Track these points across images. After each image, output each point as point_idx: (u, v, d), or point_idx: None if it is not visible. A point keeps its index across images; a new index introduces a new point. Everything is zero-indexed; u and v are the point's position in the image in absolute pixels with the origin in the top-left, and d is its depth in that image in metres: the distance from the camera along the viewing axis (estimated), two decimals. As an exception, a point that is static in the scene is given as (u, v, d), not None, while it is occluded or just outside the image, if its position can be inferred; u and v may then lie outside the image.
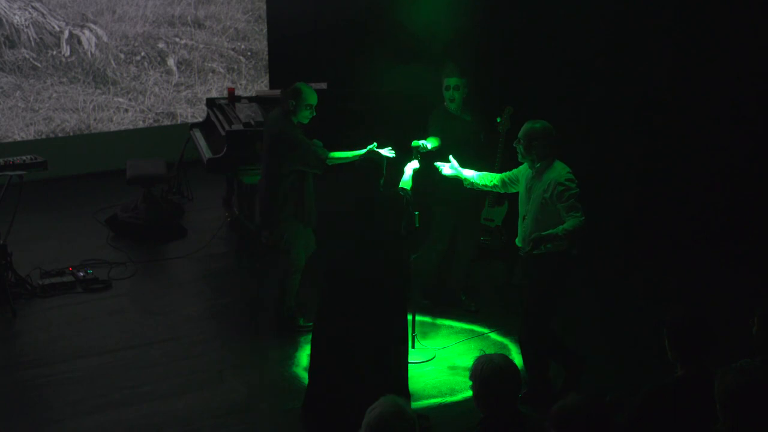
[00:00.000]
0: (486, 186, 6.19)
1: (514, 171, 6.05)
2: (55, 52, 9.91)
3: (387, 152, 6.32)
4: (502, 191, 6.19)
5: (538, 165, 5.76)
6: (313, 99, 6.68)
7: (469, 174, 6.21)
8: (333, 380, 5.66)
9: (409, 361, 5.88)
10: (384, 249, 5.64)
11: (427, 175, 6.50)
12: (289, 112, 6.68)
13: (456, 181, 6.31)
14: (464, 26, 9.02)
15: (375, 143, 6.40)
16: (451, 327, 7.06)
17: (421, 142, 6.55)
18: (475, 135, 6.96)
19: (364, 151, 6.35)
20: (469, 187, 6.28)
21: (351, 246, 5.70)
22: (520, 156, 5.83)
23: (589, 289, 7.47)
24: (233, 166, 7.89)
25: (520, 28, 9.17)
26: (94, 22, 10.03)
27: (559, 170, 5.69)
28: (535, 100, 8.36)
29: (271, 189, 6.71)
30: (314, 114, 6.75)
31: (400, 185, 6.06)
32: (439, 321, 7.14)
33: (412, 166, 6.26)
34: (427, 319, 7.09)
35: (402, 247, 5.79)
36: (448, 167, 6.26)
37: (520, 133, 5.79)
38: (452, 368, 6.46)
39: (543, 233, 5.60)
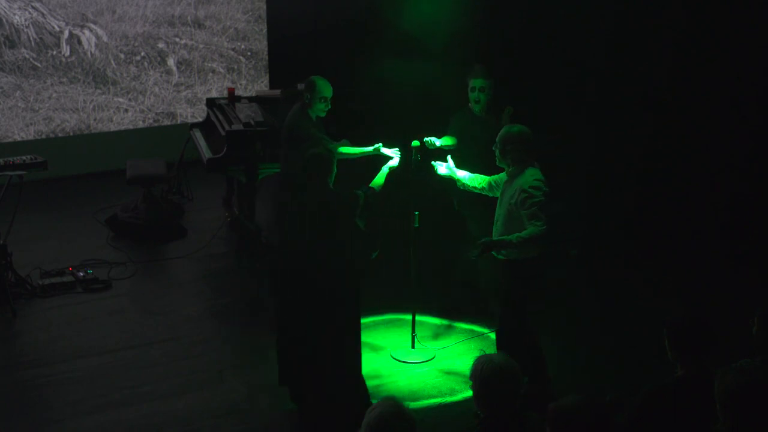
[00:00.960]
0: (476, 188, 6.18)
1: (501, 174, 6.00)
2: (55, 52, 9.91)
3: (392, 153, 6.33)
4: (490, 194, 6.11)
5: (511, 170, 5.74)
6: (327, 91, 6.77)
7: (461, 175, 6.20)
8: (295, 365, 5.85)
9: (360, 354, 5.85)
10: (331, 247, 5.60)
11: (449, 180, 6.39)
12: (305, 105, 6.77)
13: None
14: (464, 26, 9.02)
15: (380, 144, 6.41)
16: (451, 327, 7.05)
17: (429, 139, 6.52)
18: (487, 130, 6.64)
19: (371, 148, 6.39)
20: (461, 188, 6.27)
21: (301, 243, 5.69)
22: (497, 160, 5.81)
23: (589, 289, 7.47)
24: (239, 165, 7.90)
25: (520, 28, 9.17)
26: (94, 22, 10.03)
27: (527, 177, 5.62)
28: (535, 100, 8.36)
29: (289, 182, 6.72)
30: (329, 107, 6.82)
31: (372, 183, 6.04)
32: (439, 321, 7.13)
33: (391, 163, 6.25)
34: (427, 319, 7.09)
35: (353, 246, 5.71)
36: (444, 167, 6.25)
37: (498, 137, 5.77)
38: (452, 368, 6.46)
39: (494, 239, 5.59)
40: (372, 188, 6.00)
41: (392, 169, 6.26)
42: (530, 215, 5.53)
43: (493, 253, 5.73)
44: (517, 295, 5.79)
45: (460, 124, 6.83)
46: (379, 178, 6.14)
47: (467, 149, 6.60)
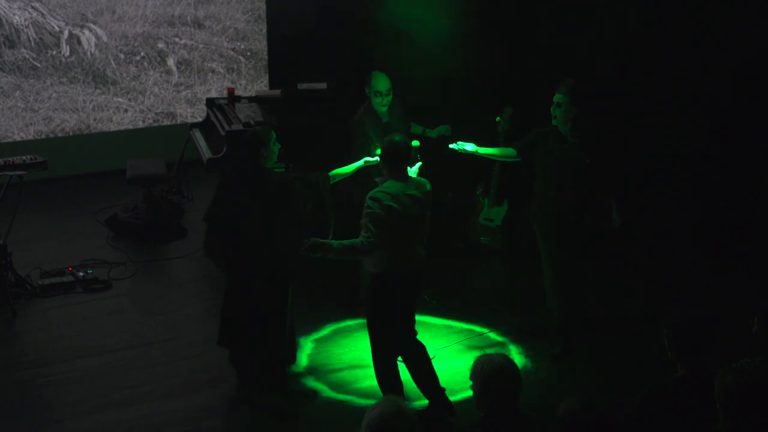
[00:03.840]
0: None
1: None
2: (54, 52, 9.91)
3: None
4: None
5: (378, 179, 5.78)
6: (378, 85, 6.77)
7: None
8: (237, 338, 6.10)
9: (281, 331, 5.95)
10: (264, 229, 5.65)
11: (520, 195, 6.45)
12: (369, 101, 6.85)
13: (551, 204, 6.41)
14: (464, 26, 9.02)
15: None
16: (451, 327, 7.05)
17: (460, 145, 6.40)
18: (574, 156, 6.38)
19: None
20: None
21: (235, 224, 5.81)
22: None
23: (589, 289, 7.47)
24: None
25: (520, 28, 9.17)
26: (94, 22, 10.04)
27: (378, 188, 5.53)
28: (535, 100, 8.36)
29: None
30: (384, 101, 6.80)
31: (334, 171, 5.98)
32: (439, 321, 7.13)
33: (370, 158, 6.19)
34: (427, 319, 7.09)
35: (288, 230, 5.67)
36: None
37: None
38: (452, 368, 6.46)
39: (320, 240, 5.38)
40: (326, 174, 5.94)
41: (369, 164, 6.18)
42: (362, 225, 5.40)
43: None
44: (370, 308, 5.71)
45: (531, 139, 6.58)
46: (347, 168, 6.14)
47: (539, 167, 6.49)
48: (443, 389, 5.85)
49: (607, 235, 6.71)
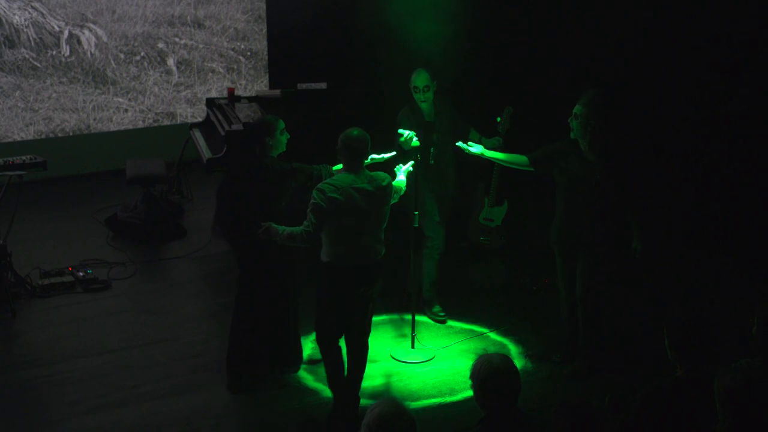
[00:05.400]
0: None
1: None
2: (54, 52, 9.91)
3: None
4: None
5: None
6: (416, 80, 6.80)
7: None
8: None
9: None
10: (259, 216, 5.66)
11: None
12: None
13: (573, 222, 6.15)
14: (464, 26, 9.02)
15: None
16: (451, 327, 7.05)
17: (469, 145, 6.35)
18: (587, 174, 6.02)
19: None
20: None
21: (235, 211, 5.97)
22: None
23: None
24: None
25: (520, 28, 9.17)
26: (94, 22, 10.03)
27: (326, 180, 5.57)
28: (535, 100, 8.37)
29: None
30: (422, 96, 6.80)
31: (335, 167, 5.94)
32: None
33: (375, 156, 6.14)
34: (427, 319, 7.09)
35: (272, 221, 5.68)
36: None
37: None
38: (452, 368, 6.46)
39: (273, 225, 5.47)
40: (329, 169, 5.93)
41: (374, 161, 6.11)
42: (306, 214, 5.46)
43: None
44: (319, 295, 5.76)
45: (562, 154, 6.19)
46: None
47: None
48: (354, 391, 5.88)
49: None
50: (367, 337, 5.84)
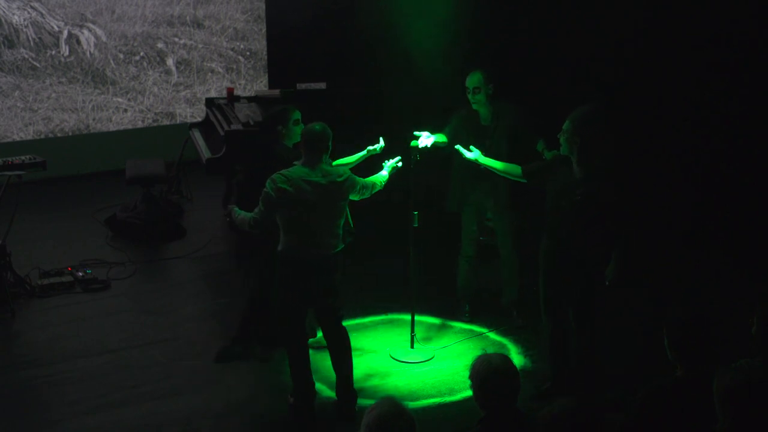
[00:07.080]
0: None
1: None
2: (54, 52, 9.91)
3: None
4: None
5: None
6: (467, 81, 6.69)
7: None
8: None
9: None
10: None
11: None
12: None
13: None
14: (464, 26, 9.02)
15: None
16: (451, 327, 7.05)
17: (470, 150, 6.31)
18: (569, 192, 5.78)
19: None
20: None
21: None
22: None
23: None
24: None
25: (520, 28, 9.17)
26: (93, 22, 10.03)
27: (280, 171, 5.62)
28: (535, 100, 8.36)
29: None
30: (473, 98, 6.66)
31: (336, 161, 6.00)
32: (439, 321, 7.13)
33: (371, 147, 6.27)
34: (426, 319, 7.09)
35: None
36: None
37: None
38: (452, 368, 6.46)
39: (234, 208, 5.79)
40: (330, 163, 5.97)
41: (372, 153, 6.28)
42: (257, 202, 5.61)
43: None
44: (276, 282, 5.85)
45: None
46: (351, 158, 6.24)
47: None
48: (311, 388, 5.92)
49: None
50: (340, 321, 5.88)
